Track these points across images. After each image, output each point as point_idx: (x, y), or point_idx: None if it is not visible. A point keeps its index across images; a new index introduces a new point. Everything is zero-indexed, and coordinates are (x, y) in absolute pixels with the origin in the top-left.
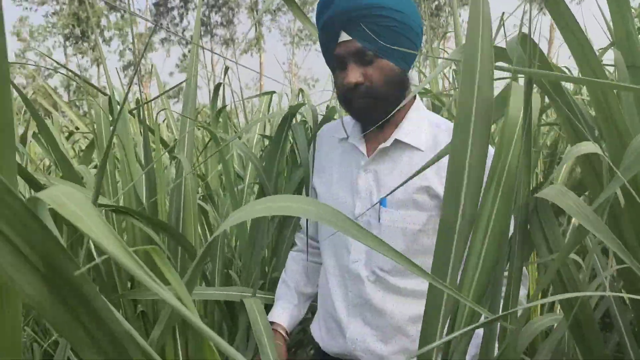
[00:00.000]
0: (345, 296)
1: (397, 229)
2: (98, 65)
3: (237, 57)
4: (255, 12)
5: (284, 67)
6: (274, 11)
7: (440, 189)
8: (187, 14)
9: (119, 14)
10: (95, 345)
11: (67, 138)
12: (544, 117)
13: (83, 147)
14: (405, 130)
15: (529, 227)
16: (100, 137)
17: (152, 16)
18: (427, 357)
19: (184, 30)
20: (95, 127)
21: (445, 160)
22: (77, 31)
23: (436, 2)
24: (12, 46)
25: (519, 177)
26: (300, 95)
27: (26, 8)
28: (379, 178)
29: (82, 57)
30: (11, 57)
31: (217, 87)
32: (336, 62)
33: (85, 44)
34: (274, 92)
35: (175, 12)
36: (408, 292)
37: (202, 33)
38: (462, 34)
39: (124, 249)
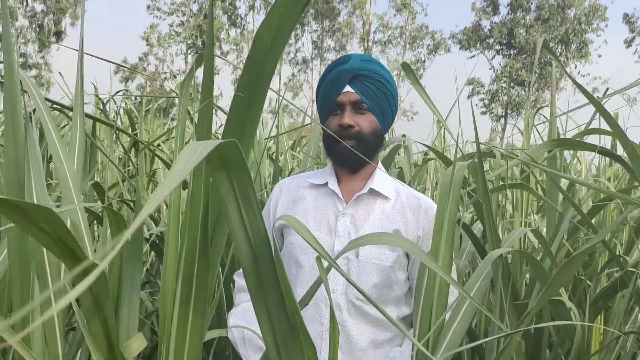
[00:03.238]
0: (319, 323)
1: (372, 264)
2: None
3: None
4: (366, 42)
5: None
6: (384, 42)
7: (404, 233)
8: (302, 35)
9: (239, 30)
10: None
11: None
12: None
13: None
14: (377, 182)
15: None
16: None
17: None
18: None
19: (297, 51)
20: None
21: (407, 209)
22: (200, 42)
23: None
24: (139, 49)
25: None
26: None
27: (157, 17)
28: (356, 222)
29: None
30: (135, 60)
31: None
32: (335, 107)
33: None
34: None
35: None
36: (374, 320)
37: (314, 55)
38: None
39: None
